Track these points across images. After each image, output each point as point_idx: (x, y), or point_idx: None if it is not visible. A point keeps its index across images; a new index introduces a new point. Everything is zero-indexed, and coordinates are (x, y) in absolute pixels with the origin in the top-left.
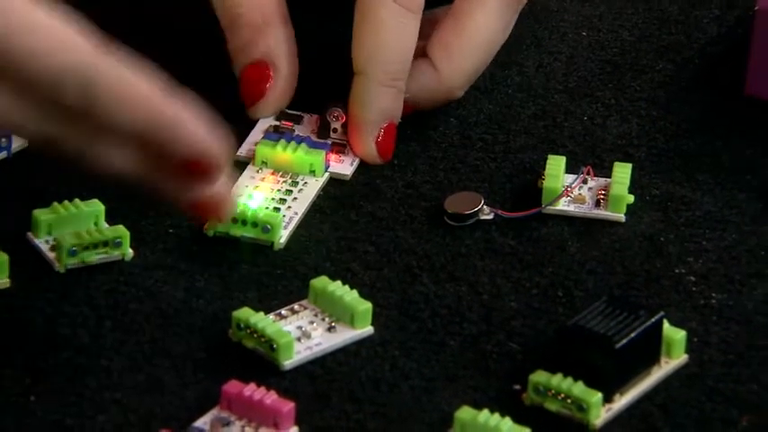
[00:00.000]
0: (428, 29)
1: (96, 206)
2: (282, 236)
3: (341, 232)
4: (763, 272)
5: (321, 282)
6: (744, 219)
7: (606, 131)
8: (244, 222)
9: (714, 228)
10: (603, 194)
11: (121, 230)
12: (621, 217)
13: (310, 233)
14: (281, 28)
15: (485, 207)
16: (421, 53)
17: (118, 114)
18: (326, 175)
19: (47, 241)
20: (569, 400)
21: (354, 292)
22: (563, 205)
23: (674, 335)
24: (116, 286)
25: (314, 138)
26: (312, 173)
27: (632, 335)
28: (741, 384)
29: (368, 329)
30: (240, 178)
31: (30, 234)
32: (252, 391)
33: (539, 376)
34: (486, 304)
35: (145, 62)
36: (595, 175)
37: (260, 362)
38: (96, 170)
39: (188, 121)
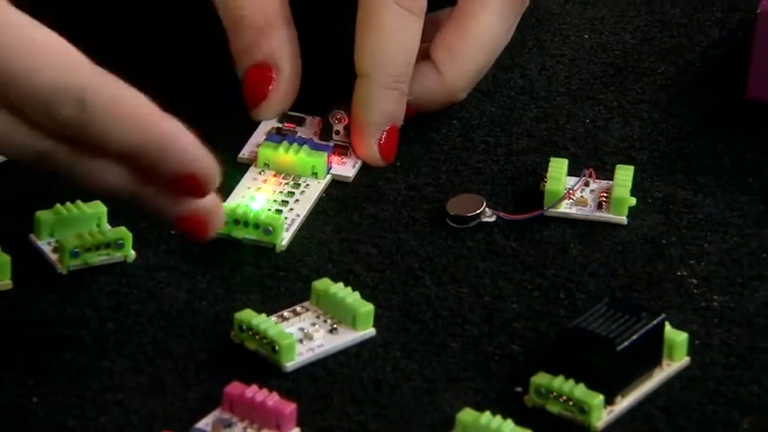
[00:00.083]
0: (431, 31)
1: (99, 208)
2: (284, 238)
3: (343, 234)
4: (765, 274)
5: (323, 283)
6: (745, 221)
7: (608, 134)
8: (246, 224)
9: (716, 230)
10: (605, 197)
11: (124, 232)
12: (623, 219)
13: (312, 235)
14: (284, 30)
15: (487, 209)
16: (424, 55)
17: (112, 132)
18: (329, 177)
19: (49, 243)
20: (571, 403)
21: (356, 294)
22: (565, 208)
23: (676, 337)
24: (118, 288)
25: (316, 140)
26: (314, 175)
27: (634, 337)
28: (743, 387)
29: (370, 331)
30: (242, 180)
31: (32, 235)
32: (254, 392)
33: (540, 378)
34: (487, 306)
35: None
36: (597, 178)
37: (262, 363)
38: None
39: (181, 137)
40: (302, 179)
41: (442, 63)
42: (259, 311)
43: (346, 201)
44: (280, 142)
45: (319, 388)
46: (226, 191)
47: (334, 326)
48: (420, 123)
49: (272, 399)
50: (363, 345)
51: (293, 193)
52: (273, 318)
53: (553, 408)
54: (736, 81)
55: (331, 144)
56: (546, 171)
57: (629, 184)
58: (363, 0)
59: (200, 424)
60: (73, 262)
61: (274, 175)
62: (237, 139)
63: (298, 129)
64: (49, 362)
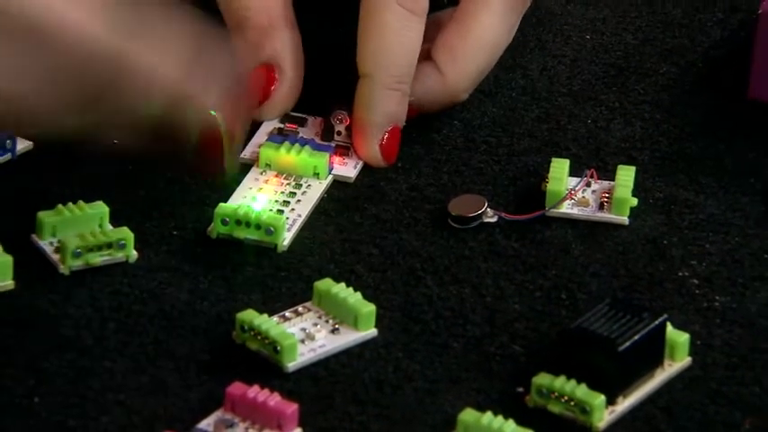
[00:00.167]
0: (433, 32)
1: (100, 208)
2: (286, 238)
3: (345, 234)
4: (767, 275)
5: (325, 284)
6: (747, 222)
7: (610, 134)
8: (247, 224)
9: (717, 231)
10: (607, 197)
11: (125, 232)
12: (625, 220)
13: (314, 235)
14: (288, 31)
15: (488, 210)
16: (425, 56)
17: (139, 97)
18: (330, 177)
19: (51, 243)
20: (572, 403)
21: (358, 295)
22: (566, 208)
23: (678, 338)
24: (120, 288)
25: (318, 140)
26: (316, 175)
27: (635, 337)
28: (744, 387)
29: (371, 331)
30: (244, 180)
31: (34, 236)
32: (255, 392)
33: (542, 378)
34: (489, 306)
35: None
36: (599, 178)
37: (264, 364)
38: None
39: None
40: (304, 180)
41: (444, 64)
42: (261, 312)
43: (348, 201)
44: (281, 143)
45: (321, 388)
46: (227, 191)
47: (336, 326)
48: (422, 124)
49: (274, 399)
50: (365, 345)
51: (295, 193)
52: (275, 318)
53: (555, 408)
54: (737, 82)
55: (333, 144)
56: (547, 171)
57: (631, 185)
58: (365, 1)
59: (202, 424)
60: (75, 262)
61: (276, 176)
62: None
63: (299, 129)
64: (51, 362)
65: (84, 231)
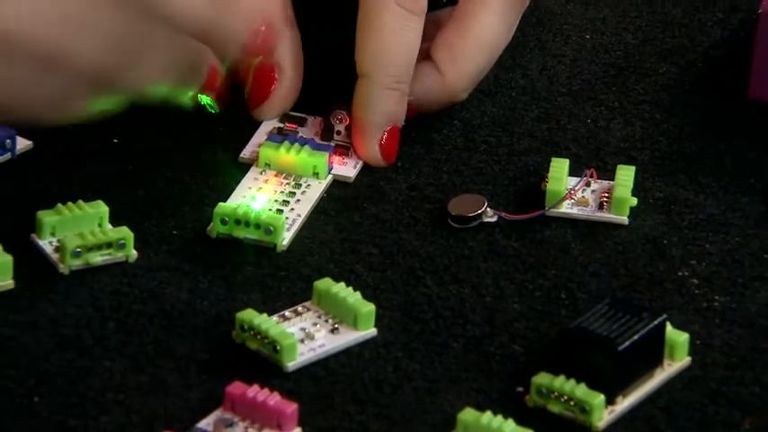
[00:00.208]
0: (432, 31)
1: (100, 207)
2: (285, 238)
3: (344, 234)
4: (766, 275)
5: (324, 283)
6: (747, 222)
7: (609, 134)
8: (247, 224)
9: (717, 231)
10: (607, 197)
11: (125, 232)
12: (625, 220)
13: (314, 235)
14: (288, 31)
15: (488, 209)
16: (424, 56)
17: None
18: (330, 177)
19: (51, 243)
20: (572, 402)
21: (358, 294)
22: (566, 208)
23: (677, 337)
24: (120, 287)
25: (317, 140)
26: (315, 175)
27: (635, 337)
28: (744, 387)
29: (371, 331)
30: (243, 180)
31: (33, 235)
32: (255, 392)
33: (542, 378)
34: (489, 306)
35: None
36: (599, 178)
37: (263, 363)
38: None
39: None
40: (303, 179)
41: (443, 63)
42: (260, 311)
43: (347, 201)
44: (281, 142)
45: (321, 388)
46: (226, 191)
47: (336, 326)
48: (421, 123)
49: (274, 399)
50: (365, 345)
51: (294, 193)
52: (275, 318)
53: (554, 408)
54: (737, 81)
55: (332, 144)
56: (547, 171)
57: (631, 185)
58: (364, 1)
59: (202, 424)
60: (74, 262)
61: (275, 176)
62: (239, 140)
63: (299, 129)
64: (51, 361)
65: (83, 231)
